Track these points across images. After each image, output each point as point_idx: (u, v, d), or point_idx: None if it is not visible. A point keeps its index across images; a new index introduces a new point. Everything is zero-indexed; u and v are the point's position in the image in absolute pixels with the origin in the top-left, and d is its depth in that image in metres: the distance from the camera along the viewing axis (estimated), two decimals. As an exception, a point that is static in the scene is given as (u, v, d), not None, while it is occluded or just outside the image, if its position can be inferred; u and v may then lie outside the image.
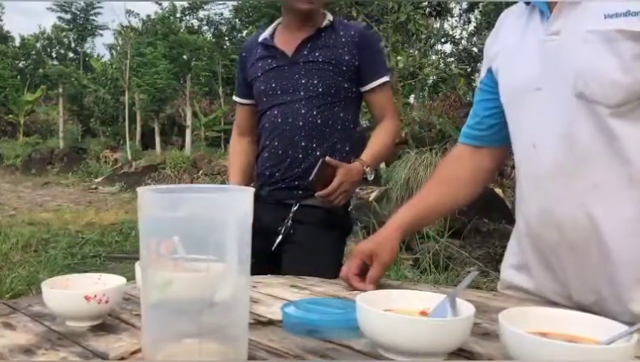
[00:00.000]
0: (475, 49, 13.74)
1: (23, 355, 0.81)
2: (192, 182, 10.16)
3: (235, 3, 19.12)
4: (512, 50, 1.17)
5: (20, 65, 28.05)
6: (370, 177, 1.83)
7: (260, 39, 1.93)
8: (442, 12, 11.14)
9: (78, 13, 29.47)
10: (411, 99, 13.37)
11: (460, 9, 14.53)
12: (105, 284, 0.99)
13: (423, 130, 9.12)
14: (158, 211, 0.73)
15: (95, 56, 26.86)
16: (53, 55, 32.56)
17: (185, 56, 19.31)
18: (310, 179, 1.74)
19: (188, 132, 14.57)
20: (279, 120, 1.86)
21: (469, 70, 9.40)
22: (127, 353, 0.81)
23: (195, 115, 15.64)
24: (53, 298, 0.94)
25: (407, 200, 1.37)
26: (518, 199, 1.21)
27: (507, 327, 0.74)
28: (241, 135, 2.06)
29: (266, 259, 1.77)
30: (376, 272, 1.19)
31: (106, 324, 0.94)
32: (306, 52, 1.85)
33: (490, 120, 1.29)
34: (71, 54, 32.11)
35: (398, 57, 8.66)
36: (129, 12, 24.71)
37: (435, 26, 12.07)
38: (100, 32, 30.90)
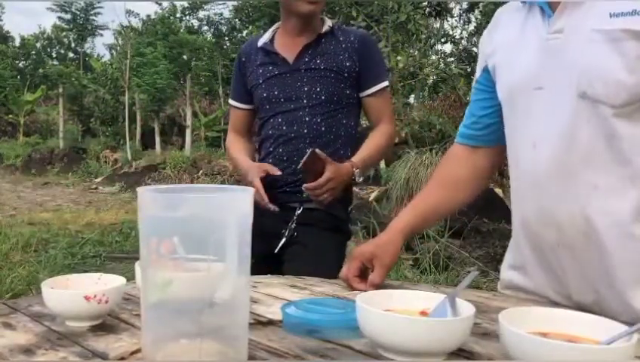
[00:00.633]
0: (475, 49, 13.73)
1: (22, 355, 0.81)
2: (192, 182, 10.15)
3: (235, 3, 19.13)
4: (511, 48, 1.16)
5: (20, 65, 28.07)
6: (359, 179, 1.82)
7: (260, 44, 1.92)
8: (442, 12, 11.14)
9: (78, 13, 29.52)
10: (411, 99, 13.38)
11: (459, 9, 14.54)
12: (105, 284, 0.99)
13: (423, 130, 9.12)
14: (158, 211, 0.73)
15: (95, 56, 26.89)
16: (53, 55, 32.60)
17: (185, 56, 19.30)
18: (299, 167, 1.74)
19: (188, 132, 14.58)
20: (284, 127, 1.86)
21: (469, 70, 9.39)
22: (127, 353, 0.81)
23: (195, 115, 15.64)
24: (53, 298, 0.94)
25: (408, 200, 1.38)
26: (514, 198, 1.20)
27: (507, 327, 0.74)
28: (238, 135, 2.06)
29: (267, 261, 1.77)
30: (378, 275, 1.18)
31: (106, 324, 0.94)
32: (307, 59, 1.86)
33: (487, 119, 1.29)
34: (71, 54, 32.15)
35: (398, 57, 8.65)
36: (129, 12, 24.80)
37: (435, 26, 12.09)
38: (100, 32, 31.02)
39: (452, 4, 12.23)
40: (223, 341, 0.72)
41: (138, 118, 15.57)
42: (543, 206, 1.09)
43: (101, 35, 40.07)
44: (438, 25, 12.68)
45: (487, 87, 1.27)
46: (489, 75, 1.25)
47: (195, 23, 21.89)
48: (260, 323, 0.95)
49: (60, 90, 17.92)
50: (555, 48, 1.05)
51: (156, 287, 0.72)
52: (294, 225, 1.82)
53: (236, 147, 2.03)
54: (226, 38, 21.06)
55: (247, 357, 0.76)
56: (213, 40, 20.55)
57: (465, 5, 14.41)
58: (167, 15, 20.39)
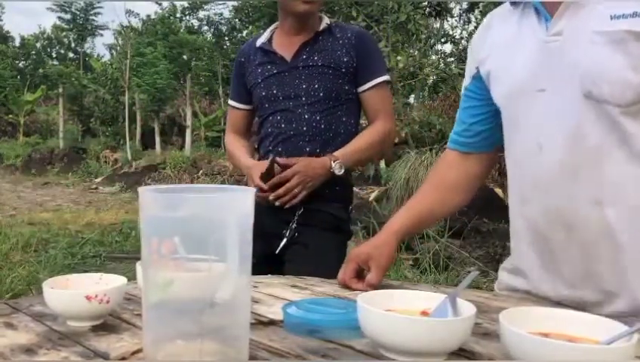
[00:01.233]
0: (475, 49, 13.70)
1: (24, 355, 0.81)
2: (192, 182, 10.15)
3: (235, 3, 19.12)
4: (506, 52, 1.15)
5: (20, 65, 28.07)
6: (339, 172, 1.77)
7: (258, 44, 1.93)
8: (442, 12, 11.14)
9: (78, 13, 29.51)
10: (411, 99, 13.38)
11: (460, 9, 14.52)
12: (106, 284, 0.99)
13: (423, 130, 9.12)
14: (159, 211, 0.73)
15: (95, 56, 26.89)
16: (53, 55, 32.59)
17: (185, 56, 19.29)
18: (257, 178, 1.76)
19: (188, 132, 14.58)
20: (283, 125, 1.86)
21: (469, 70, 9.42)
22: (128, 353, 0.81)
23: (195, 115, 15.64)
24: (54, 298, 0.94)
25: (407, 201, 1.37)
26: (514, 202, 1.19)
27: (508, 327, 0.75)
28: (237, 135, 2.06)
29: (268, 261, 1.77)
30: (374, 276, 1.18)
31: (107, 324, 0.94)
32: (304, 56, 1.86)
33: (478, 126, 1.28)
34: (71, 54, 32.13)
35: (398, 57, 8.66)
36: (129, 12, 24.75)
37: (435, 26, 12.08)
38: (100, 32, 31.01)
39: (452, 4, 12.23)
40: (224, 341, 0.72)
41: (138, 118, 15.57)
42: (551, 207, 1.09)
43: (101, 35, 40.08)
44: (438, 25, 12.67)
45: (477, 95, 1.26)
46: (480, 82, 1.24)
47: (195, 23, 21.89)
48: (261, 323, 0.95)
49: (60, 90, 17.92)
50: (555, 50, 1.05)
51: (157, 287, 0.72)
52: (295, 225, 1.82)
53: (236, 145, 2.03)
54: (226, 38, 21.04)
55: (249, 357, 0.76)
56: (213, 40, 20.54)
57: (465, 5, 14.40)
58: (167, 15, 20.37)
